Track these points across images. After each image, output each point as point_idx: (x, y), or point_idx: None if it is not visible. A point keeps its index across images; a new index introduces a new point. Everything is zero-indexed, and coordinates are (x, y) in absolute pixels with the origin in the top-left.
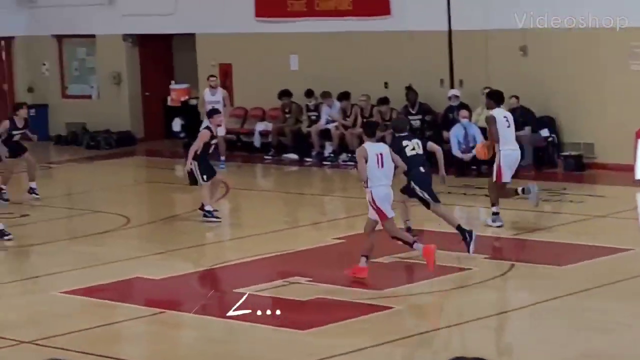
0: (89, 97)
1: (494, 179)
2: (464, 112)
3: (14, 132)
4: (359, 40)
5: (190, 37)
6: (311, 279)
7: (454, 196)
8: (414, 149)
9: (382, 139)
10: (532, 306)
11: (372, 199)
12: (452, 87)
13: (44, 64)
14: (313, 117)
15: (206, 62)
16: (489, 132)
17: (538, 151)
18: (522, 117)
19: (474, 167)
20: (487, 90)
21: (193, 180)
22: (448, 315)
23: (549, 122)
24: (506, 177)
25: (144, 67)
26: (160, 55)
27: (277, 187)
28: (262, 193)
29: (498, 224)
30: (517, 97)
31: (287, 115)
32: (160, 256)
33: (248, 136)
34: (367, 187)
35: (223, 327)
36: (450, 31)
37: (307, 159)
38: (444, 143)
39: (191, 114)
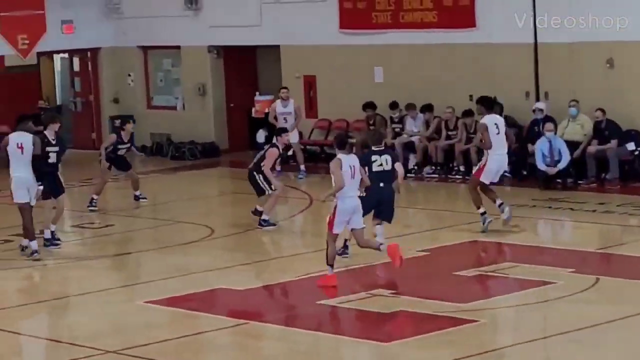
0: (174, 108)
1: (474, 173)
2: (549, 125)
3: (120, 147)
4: (444, 52)
5: (275, 48)
6: (395, 292)
7: (539, 209)
8: (381, 164)
9: (352, 150)
10: (617, 321)
11: (335, 210)
12: (537, 99)
13: (129, 75)
14: (397, 129)
15: (290, 73)
16: (482, 139)
17: (624, 165)
18: (608, 130)
19: (559, 180)
20: (572, 104)
21: (260, 191)
22: (532, 329)
23: (635, 136)
24: (486, 179)
25: (228, 79)
26: (245, 66)
27: None
28: None
29: (488, 220)
30: (603, 110)
31: (371, 127)
32: (244, 267)
33: (332, 148)
34: (335, 197)
35: (307, 339)
36: (536, 43)
37: None
38: (529, 156)
39: (275, 126)
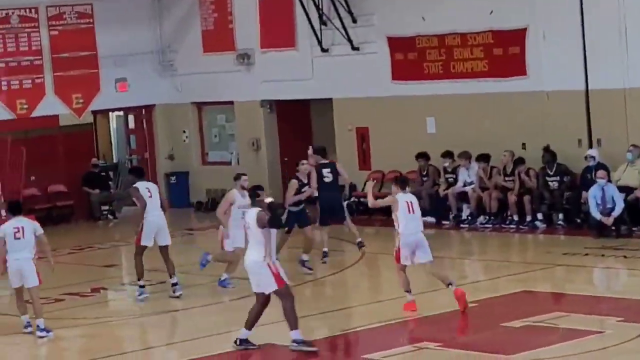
0: (229, 163)
1: None
2: (601, 173)
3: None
4: (496, 101)
5: (328, 101)
6: (441, 344)
7: (592, 258)
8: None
9: None
10: None
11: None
12: (590, 147)
13: (184, 131)
14: (450, 180)
15: (343, 126)
16: None
17: None
18: None
19: (613, 227)
20: (630, 148)
21: None
22: None
23: None
24: None
25: (282, 133)
26: (298, 120)
27: None
28: None
29: None
30: None
31: (424, 178)
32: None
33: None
34: None
35: None
36: (587, 90)
37: (445, 222)
38: (582, 204)
39: None
